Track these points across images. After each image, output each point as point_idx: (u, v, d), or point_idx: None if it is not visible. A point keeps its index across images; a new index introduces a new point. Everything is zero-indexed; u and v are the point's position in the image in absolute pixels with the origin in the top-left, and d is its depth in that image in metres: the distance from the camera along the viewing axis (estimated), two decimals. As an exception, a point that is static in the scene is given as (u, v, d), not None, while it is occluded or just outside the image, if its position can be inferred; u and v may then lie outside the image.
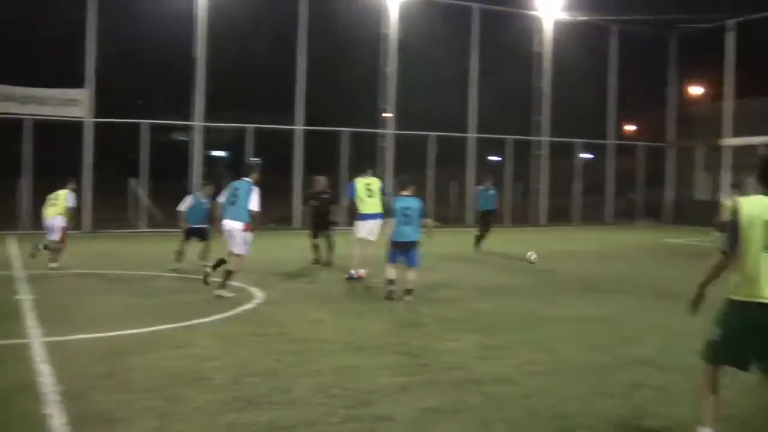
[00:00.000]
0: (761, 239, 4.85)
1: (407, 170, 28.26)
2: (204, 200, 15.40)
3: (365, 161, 17.20)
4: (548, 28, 31.98)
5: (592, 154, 35.70)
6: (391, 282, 11.85)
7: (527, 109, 32.10)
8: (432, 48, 28.11)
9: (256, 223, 11.85)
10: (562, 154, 32.81)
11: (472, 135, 30.60)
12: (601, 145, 34.20)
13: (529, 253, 17.32)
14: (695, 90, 39.71)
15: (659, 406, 6.58)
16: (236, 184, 11.88)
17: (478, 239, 19.32)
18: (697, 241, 21.67)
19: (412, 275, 11.81)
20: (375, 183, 14.17)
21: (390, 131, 29.09)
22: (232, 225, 11.67)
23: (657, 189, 35.50)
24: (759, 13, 31.10)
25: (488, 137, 31.12)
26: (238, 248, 11.74)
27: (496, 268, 14.83)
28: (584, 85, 31.97)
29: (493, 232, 20.17)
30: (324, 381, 7.14)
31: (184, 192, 18.14)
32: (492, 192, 20.13)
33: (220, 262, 12.50)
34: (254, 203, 11.58)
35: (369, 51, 28.70)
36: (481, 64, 30.57)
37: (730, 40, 32.56)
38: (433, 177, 28.86)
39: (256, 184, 11.78)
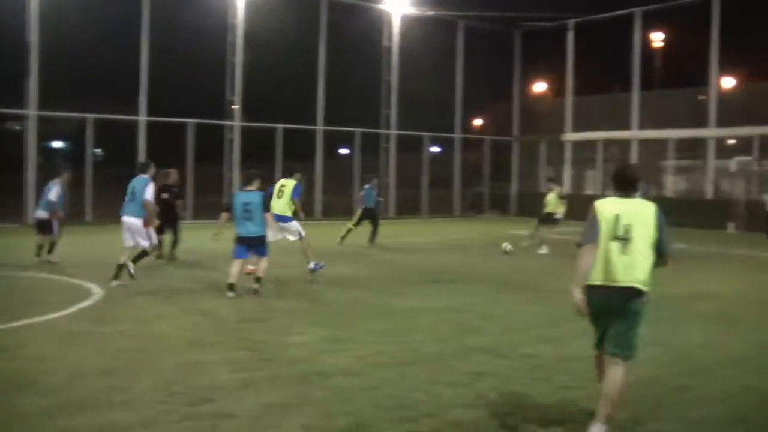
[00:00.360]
0: (611, 231, 5.59)
1: (255, 163, 27.89)
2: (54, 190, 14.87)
3: (211, 153, 16.92)
4: (396, 22, 32.29)
5: (440, 147, 36.37)
6: (232, 281, 11.60)
7: (376, 102, 32.34)
8: (280, 39, 27.78)
9: (151, 215, 12.50)
10: (410, 147, 33.26)
11: (320, 127, 30.50)
12: (448, 138, 34.87)
13: (505, 244, 18.17)
14: (539, 86, 41.16)
15: (499, 394, 6.71)
16: (134, 182, 12.47)
17: (348, 232, 19.81)
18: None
19: (261, 263, 11.82)
20: (288, 185, 14.50)
21: (237, 123, 28.53)
22: (132, 221, 12.32)
23: (503, 182, 36.60)
24: (597, 14, 32.59)
25: (337, 130, 31.12)
26: (143, 242, 12.40)
27: (347, 261, 14.84)
28: (432, 79, 32.40)
29: (341, 225, 20.38)
30: (164, 379, 6.91)
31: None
32: (374, 191, 20.82)
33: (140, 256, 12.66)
34: (148, 197, 12.28)
35: (217, 41, 28.08)
36: (330, 57, 30.51)
37: (571, 39, 33.97)
38: (281, 170, 28.52)
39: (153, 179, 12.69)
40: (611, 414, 5.52)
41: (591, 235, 5.69)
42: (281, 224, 13.80)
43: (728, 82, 34.05)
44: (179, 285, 12.68)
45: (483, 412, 6.23)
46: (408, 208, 32.77)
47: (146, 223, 12.37)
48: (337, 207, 29.30)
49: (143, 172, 12.66)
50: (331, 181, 31.01)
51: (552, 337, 9.04)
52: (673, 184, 31.66)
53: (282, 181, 14.80)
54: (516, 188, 36.27)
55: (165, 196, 15.76)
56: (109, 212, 23.87)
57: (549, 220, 19.49)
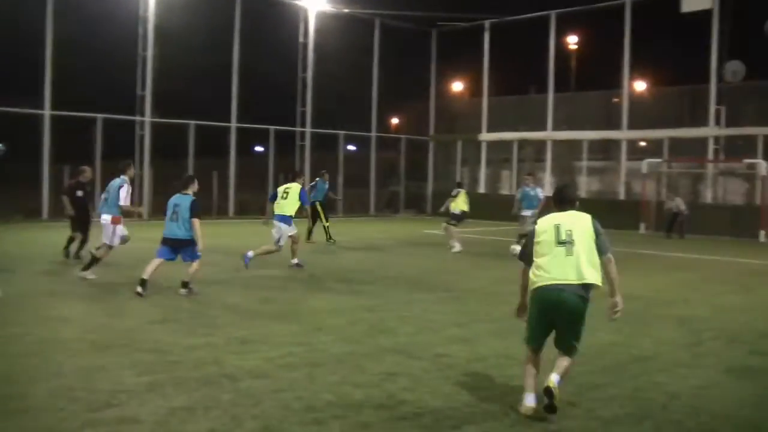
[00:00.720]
0: (553, 238, 6.22)
1: (166, 160, 27.32)
2: None
3: (121, 149, 16.57)
4: (312, 19, 32.03)
5: (356, 146, 36.30)
6: (145, 276, 11.37)
7: (292, 99, 32.00)
8: (193, 33, 27.18)
9: (126, 214, 13.03)
10: (326, 145, 33.08)
11: (234, 124, 30.03)
12: (364, 137, 34.83)
13: (513, 246, 18.14)
14: (456, 86, 41.50)
15: (410, 394, 6.63)
16: (112, 181, 13.08)
17: (310, 231, 20.27)
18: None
19: (191, 268, 11.62)
20: (294, 189, 15.17)
21: (148, 119, 27.79)
22: (105, 218, 12.91)
23: (419, 181, 36.74)
24: (513, 15, 33.00)
25: (251, 127, 30.71)
26: (107, 239, 12.87)
27: (259, 261, 14.55)
28: (349, 77, 32.32)
29: (251, 224, 20.15)
30: (65, 383, 6.61)
31: None
32: (326, 185, 21.58)
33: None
34: (121, 197, 12.71)
35: (127, 35, 27.33)
36: (244, 52, 30.07)
37: (487, 40, 34.31)
38: (193, 167, 27.95)
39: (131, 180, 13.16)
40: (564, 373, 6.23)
41: (525, 257, 6.43)
42: (281, 224, 14.65)
43: (640, 86, 34.97)
44: (85, 285, 12.25)
45: (394, 413, 6.14)
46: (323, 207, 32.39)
47: (115, 221, 12.88)
48: (252, 205, 28.85)
49: (123, 172, 13.08)
50: (245, 179, 30.55)
51: (464, 338, 9.02)
52: (586, 185, 32.28)
53: (287, 185, 15.41)
54: (432, 188, 36.43)
55: (80, 193, 15.32)
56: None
57: (456, 218, 19.68)
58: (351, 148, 35.84)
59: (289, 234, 14.78)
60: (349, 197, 33.40)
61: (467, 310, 10.90)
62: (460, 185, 20.81)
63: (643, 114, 30.57)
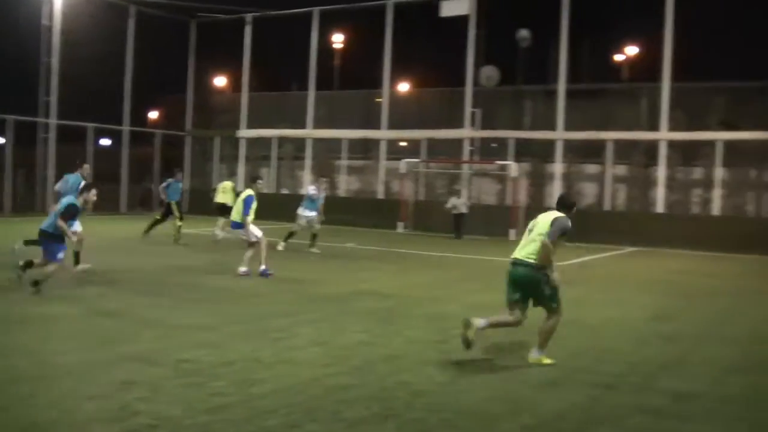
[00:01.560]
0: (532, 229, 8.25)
1: None
2: None
3: None
4: (58, 1, 29.84)
5: (110, 140, 34.40)
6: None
7: (34, 87, 29.62)
8: None
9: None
10: (74, 138, 30.98)
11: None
12: (116, 131, 33.02)
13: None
14: (218, 81, 40.58)
15: (147, 404, 6.17)
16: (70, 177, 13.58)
17: (156, 224, 20.72)
18: (209, 231, 21.80)
19: (48, 266, 11.35)
20: (242, 195, 14.87)
21: None
22: None
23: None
24: (276, 10, 32.69)
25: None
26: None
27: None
28: (100, 66, 30.38)
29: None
30: None
31: None
32: (180, 184, 21.33)
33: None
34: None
35: None
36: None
37: (248, 34, 33.71)
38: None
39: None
40: (543, 342, 8.16)
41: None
42: (237, 231, 14.66)
43: (403, 87, 35.93)
44: None
45: (125, 425, 5.65)
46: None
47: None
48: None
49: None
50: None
51: (210, 342, 8.55)
52: (346, 184, 32.61)
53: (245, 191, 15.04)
54: (188, 185, 35.15)
55: None
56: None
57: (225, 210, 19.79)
58: (106, 142, 33.91)
59: (255, 236, 14.51)
60: (99, 194, 31.42)
61: (214, 312, 10.43)
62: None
63: (404, 114, 31.33)
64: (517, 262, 8.18)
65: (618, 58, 37.06)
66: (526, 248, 8.14)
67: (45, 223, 11.49)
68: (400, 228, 28.49)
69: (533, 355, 8.14)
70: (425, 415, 6.24)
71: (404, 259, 19.17)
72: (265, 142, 33.81)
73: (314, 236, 19.06)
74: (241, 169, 33.66)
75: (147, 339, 8.65)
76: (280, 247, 18.76)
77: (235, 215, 14.71)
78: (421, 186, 31.36)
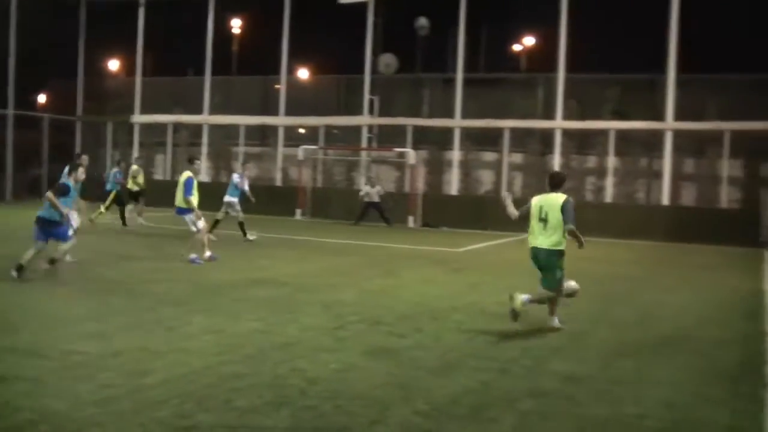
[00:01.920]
0: (536, 215, 9.67)
1: None
2: None
3: None
4: None
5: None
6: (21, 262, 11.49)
7: None
8: None
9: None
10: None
11: None
12: (0, 114, 31.66)
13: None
14: (112, 64, 39.41)
15: (30, 399, 5.93)
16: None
17: (122, 215, 21.33)
18: (109, 220, 21.32)
19: (61, 246, 11.93)
20: (182, 177, 14.80)
21: None
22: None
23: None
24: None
25: None
26: None
27: None
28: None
29: None
30: None
31: None
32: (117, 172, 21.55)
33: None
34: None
35: None
36: None
37: (142, 16, 32.80)
38: None
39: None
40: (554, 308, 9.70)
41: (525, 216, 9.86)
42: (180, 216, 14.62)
43: (300, 73, 35.65)
44: None
45: (6, 423, 5.41)
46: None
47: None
48: None
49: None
50: None
51: (98, 332, 8.27)
52: (247, 170, 32.09)
53: (184, 173, 14.91)
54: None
55: None
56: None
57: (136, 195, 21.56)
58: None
59: (195, 225, 14.52)
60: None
61: (103, 302, 10.13)
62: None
63: (302, 101, 31.12)
64: (540, 249, 9.59)
65: (515, 48, 37.80)
66: (551, 238, 9.50)
67: (42, 211, 11.82)
68: (299, 215, 28.36)
69: (553, 324, 9.65)
70: (319, 402, 6.20)
71: (302, 246, 19.06)
72: (161, 128, 33.08)
73: (241, 224, 18.82)
74: (136, 155, 32.77)
75: (31, 330, 8.32)
76: (252, 236, 18.95)
77: (179, 200, 14.55)
78: (319, 173, 31.26)
